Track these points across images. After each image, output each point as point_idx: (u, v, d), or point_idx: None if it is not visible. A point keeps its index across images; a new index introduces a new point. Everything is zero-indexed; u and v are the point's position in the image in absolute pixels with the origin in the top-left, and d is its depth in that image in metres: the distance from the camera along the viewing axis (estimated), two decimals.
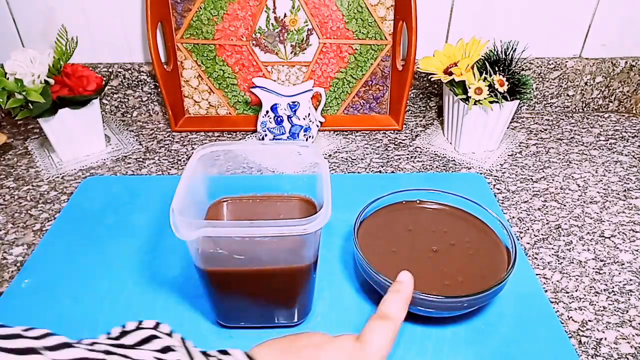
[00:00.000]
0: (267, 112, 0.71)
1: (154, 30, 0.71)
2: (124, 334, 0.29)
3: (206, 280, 0.41)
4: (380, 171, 0.69)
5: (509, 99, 0.67)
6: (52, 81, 0.64)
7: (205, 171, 0.46)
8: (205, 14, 0.75)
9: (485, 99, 0.66)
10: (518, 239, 0.57)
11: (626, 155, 0.74)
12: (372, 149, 0.75)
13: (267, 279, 0.41)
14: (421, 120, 0.83)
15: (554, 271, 0.53)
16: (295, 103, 0.70)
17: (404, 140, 0.77)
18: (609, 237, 0.57)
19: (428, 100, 0.85)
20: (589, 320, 0.47)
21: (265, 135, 0.72)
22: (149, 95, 0.83)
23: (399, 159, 0.72)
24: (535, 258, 0.54)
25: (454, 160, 0.72)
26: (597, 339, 0.45)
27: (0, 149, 0.74)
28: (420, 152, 0.74)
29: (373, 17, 0.76)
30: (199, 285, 0.43)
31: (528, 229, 0.59)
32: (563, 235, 0.58)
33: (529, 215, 0.61)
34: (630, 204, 0.63)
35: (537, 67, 0.82)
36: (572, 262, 0.54)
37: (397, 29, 0.76)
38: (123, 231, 0.57)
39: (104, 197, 0.63)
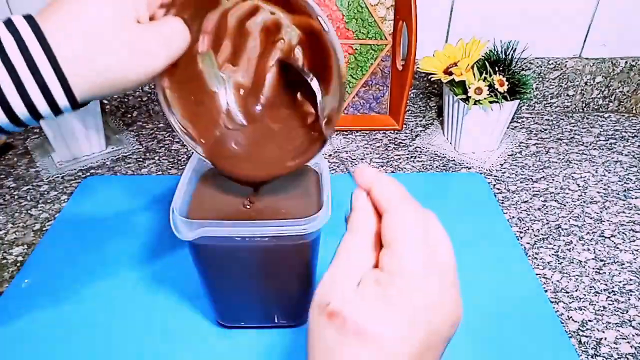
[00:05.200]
0: None
1: None
2: None
3: (204, 269, 0.41)
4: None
5: (509, 99, 0.67)
6: None
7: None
8: None
9: (485, 98, 0.66)
10: (518, 239, 0.57)
11: (626, 155, 0.74)
12: (372, 149, 0.75)
13: (266, 280, 0.41)
14: (421, 120, 0.83)
15: (554, 271, 0.53)
16: None
17: (404, 140, 0.77)
18: (609, 237, 0.57)
19: (428, 100, 0.85)
20: (589, 320, 0.47)
21: None
22: (149, 95, 0.83)
23: (399, 158, 0.72)
24: (535, 258, 0.54)
25: (454, 160, 0.72)
26: (597, 338, 0.45)
27: (0, 149, 0.74)
28: (420, 152, 0.74)
29: (373, 17, 0.76)
30: (199, 285, 0.43)
31: (528, 229, 0.59)
32: (563, 235, 0.58)
33: (528, 215, 0.61)
34: (630, 204, 0.63)
35: (537, 67, 0.82)
36: (572, 262, 0.54)
37: (397, 29, 0.76)
38: (123, 231, 0.57)
39: (104, 197, 0.63)
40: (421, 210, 0.28)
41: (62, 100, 0.28)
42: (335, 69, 0.36)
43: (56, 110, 0.28)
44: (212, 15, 0.37)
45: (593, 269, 0.53)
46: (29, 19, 0.27)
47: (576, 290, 0.50)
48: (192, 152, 0.41)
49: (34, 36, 0.26)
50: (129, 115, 0.84)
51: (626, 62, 0.82)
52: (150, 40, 0.30)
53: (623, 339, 0.45)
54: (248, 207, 0.41)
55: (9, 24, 0.27)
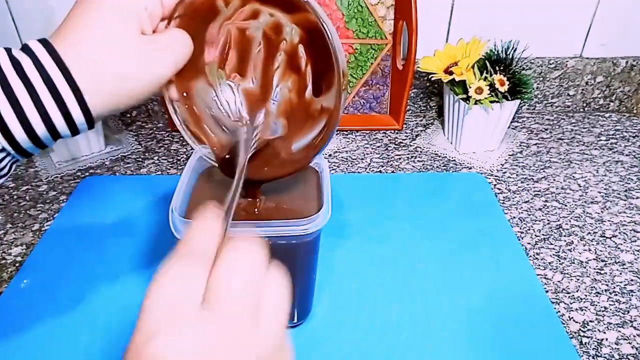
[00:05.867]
0: None
1: None
2: None
3: None
4: (380, 171, 0.69)
5: (509, 99, 0.67)
6: None
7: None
8: None
9: (485, 98, 0.66)
10: (519, 239, 0.57)
11: (627, 155, 0.73)
12: (372, 148, 0.75)
13: None
14: (421, 120, 0.83)
15: (554, 271, 0.53)
16: None
17: (404, 140, 0.77)
18: (610, 237, 0.57)
19: (428, 100, 0.85)
20: (590, 321, 0.47)
21: None
22: None
23: (399, 158, 0.72)
24: (536, 258, 0.54)
25: (454, 160, 0.72)
26: (598, 339, 0.45)
27: None
28: (421, 152, 0.74)
29: (373, 16, 0.75)
30: None
31: (529, 229, 0.58)
32: (564, 236, 0.58)
33: (529, 215, 0.61)
34: (632, 204, 0.63)
35: (538, 66, 0.81)
36: (573, 263, 0.54)
37: (397, 28, 0.76)
38: (123, 231, 0.57)
39: (103, 197, 0.63)
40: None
41: (77, 113, 0.29)
42: (336, 66, 0.36)
43: (72, 125, 0.29)
44: (214, 25, 0.37)
45: (594, 269, 0.53)
46: (44, 42, 0.28)
47: (577, 291, 0.50)
48: (192, 152, 0.41)
49: (49, 56, 0.28)
50: (128, 115, 0.84)
51: (627, 62, 0.82)
52: (155, 49, 0.31)
53: (624, 339, 0.45)
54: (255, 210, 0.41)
55: (26, 48, 0.28)
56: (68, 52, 0.28)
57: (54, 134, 0.29)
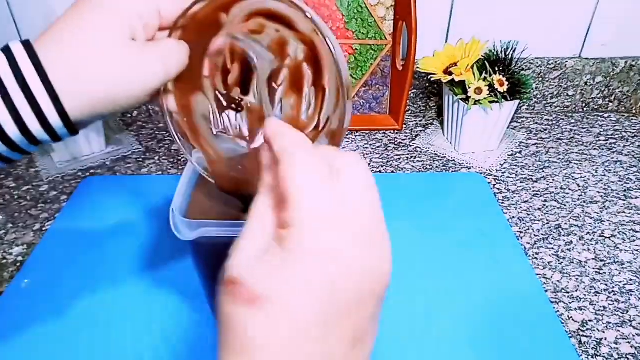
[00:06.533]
0: None
1: None
2: None
3: (204, 268, 0.41)
4: (380, 171, 0.69)
5: (508, 99, 0.68)
6: None
7: None
8: None
9: (485, 98, 0.66)
10: (518, 239, 0.57)
11: (626, 155, 0.74)
12: (372, 149, 0.75)
13: None
14: (421, 120, 0.83)
15: (554, 271, 0.53)
16: None
17: (404, 140, 0.77)
18: (609, 237, 0.57)
19: (428, 100, 0.85)
20: (589, 320, 0.47)
21: None
22: None
23: (399, 159, 0.72)
24: (536, 258, 0.54)
25: (454, 160, 0.72)
26: (597, 339, 0.45)
27: None
28: (420, 152, 0.74)
29: (373, 17, 0.76)
30: (199, 285, 0.43)
31: (528, 229, 0.59)
32: (563, 235, 0.58)
33: (529, 215, 0.61)
34: (630, 204, 0.63)
35: (537, 67, 0.82)
36: (572, 262, 0.54)
37: (397, 29, 0.76)
38: (123, 231, 0.57)
39: (103, 197, 0.63)
40: (326, 152, 0.25)
41: (53, 117, 0.28)
42: (340, 85, 0.36)
43: (51, 132, 0.28)
44: (217, 40, 0.37)
45: (593, 269, 0.53)
46: (26, 43, 0.27)
47: (576, 291, 0.50)
48: (193, 152, 0.41)
49: (27, 56, 0.27)
50: (129, 115, 0.84)
51: (626, 62, 0.82)
52: (144, 57, 0.30)
53: (623, 339, 0.45)
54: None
55: (5, 49, 0.27)
56: (49, 53, 0.27)
57: (31, 138, 0.28)
